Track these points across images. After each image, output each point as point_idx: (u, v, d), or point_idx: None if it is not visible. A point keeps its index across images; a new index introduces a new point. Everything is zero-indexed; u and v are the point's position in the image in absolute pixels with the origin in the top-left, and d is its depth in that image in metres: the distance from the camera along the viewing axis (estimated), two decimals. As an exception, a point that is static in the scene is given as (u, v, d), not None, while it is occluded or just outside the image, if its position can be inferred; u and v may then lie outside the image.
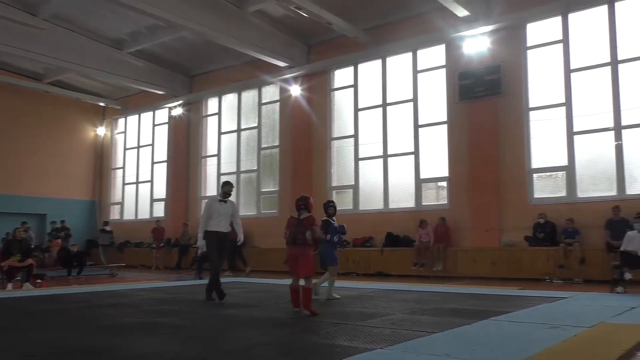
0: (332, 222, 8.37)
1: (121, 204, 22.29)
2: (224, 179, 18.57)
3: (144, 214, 21.15)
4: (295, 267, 6.72)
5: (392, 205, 14.71)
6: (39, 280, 11.58)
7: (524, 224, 12.28)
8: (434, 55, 14.40)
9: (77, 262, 15.23)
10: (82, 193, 22.24)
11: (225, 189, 8.54)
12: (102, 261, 18.55)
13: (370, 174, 15.22)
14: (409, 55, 14.79)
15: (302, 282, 6.61)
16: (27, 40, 15.90)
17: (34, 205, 20.25)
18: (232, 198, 19.06)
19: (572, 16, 12.50)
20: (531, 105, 12.87)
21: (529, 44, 13.03)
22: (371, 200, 15.16)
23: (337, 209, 15.46)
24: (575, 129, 12.21)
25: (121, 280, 13.41)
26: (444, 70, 14.16)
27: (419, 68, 14.65)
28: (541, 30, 12.92)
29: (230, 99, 18.99)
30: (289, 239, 6.81)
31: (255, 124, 18.04)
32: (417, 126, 14.47)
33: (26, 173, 20.14)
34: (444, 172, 13.94)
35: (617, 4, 11.94)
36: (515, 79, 12.98)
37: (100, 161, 23.01)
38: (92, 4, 15.03)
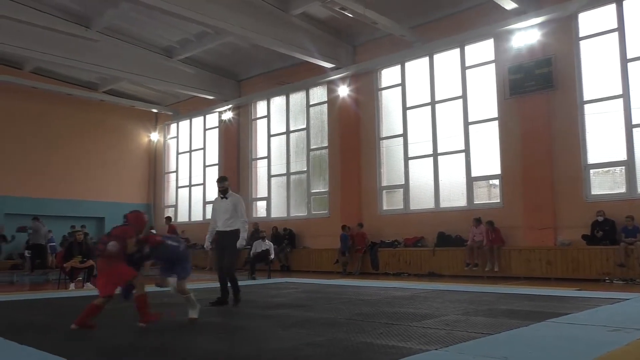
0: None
1: (175, 206, 22.91)
2: (274, 180, 18.90)
3: (197, 216, 21.67)
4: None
5: (443, 204, 14.51)
6: (99, 281, 12.04)
7: (580, 222, 11.86)
8: (482, 50, 14.14)
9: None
10: (138, 196, 22.98)
11: (218, 185, 7.92)
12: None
13: (420, 173, 15.07)
14: (457, 51, 14.56)
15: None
16: (82, 52, 16.63)
17: (93, 209, 21.09)
18: (282, 199, 19.45)
19: (627, 3, 12.00)
20: (586, 98, 12.43)
21: (581, 34, 12.60)
22: (422, 199, 15.01)
23: (388, 208, 15.64)
24: (634, 122, 11.72)
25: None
26: (493, 66, 13.87)
27: (467, 64, 14.41)
28: (594, 20, 12.46)
29: (278, 101, 19.21)
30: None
31: (304, 126, 18.17)
32: (467, 123, 14.23)
33: (84, 178, 21.00)
34: (496, 169, 13.64)
35: (677, -10, 11.41)
36: (568, 71, 12.57)
37: (154, 165, 23.72)
38: (142, 15, 15.52)
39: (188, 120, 22.66)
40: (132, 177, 22.93)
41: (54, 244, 18.00)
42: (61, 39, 16.02)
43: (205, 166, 21.71)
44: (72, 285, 11.27)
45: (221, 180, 7.92)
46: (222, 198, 7.80)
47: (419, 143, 15.18)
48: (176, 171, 23.08)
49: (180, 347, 4.68)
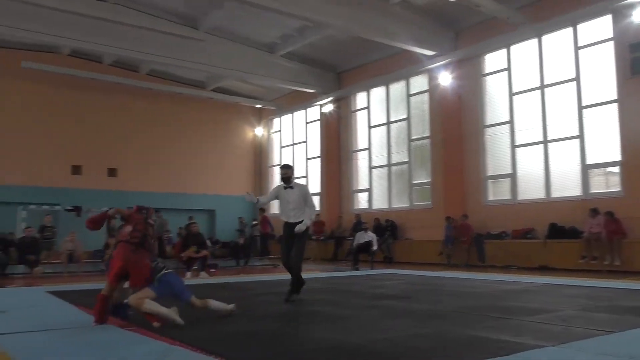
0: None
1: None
2: (375, 172, 18.87)
3: (300, 208, 22.11)
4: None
5: (555, 194, 13.71)
6: (212, 270, 12.75)
7: None
8: (598, 27, 13.11)
9: (243, 254, 16.49)
10: (244, 189, 23.59)
11: (281, 172, 7.55)
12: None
13: (529, 161, 14.34)
14: (569, 30, 13.63)
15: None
16: (191, 53, 17.52)
17: (203, 202, 22.21)
18: (383, 190, 19.43)
19: None
20: None
21: None
22: (531, 189, 14.28)
23: (493, 199, 15.08)
24: None
25: (283, 270, 14.17)
26: (611, 43, 12.82)
27: (580, 44, 13.44)
28: None
29: (378, 92, 19.11)
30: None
31: (405, 116, 17.94)
32: (581, 107, 13.30)
33: (195, 173, 22.17)
34: (615, 155, 12.64)
35: None
36: (702, 45, 11.32)
37: (259, 159, 24.54)
38: (246, 13, 16.08)
39: (290, 114, 23.20)
40: (239, 170, 23.88)
41: (171, 235, 19.19)
42: (172, 41, 17.01)
43: (307, 159, 22.12)
44: (188, 274, 11.98)
45: (285, 167, 7.54)
46: (285, 187, 7.41)
47: (527, 130, 14.43)
48: (280, 164, 23.70)
49: (291, 334, 4.82)
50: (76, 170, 19.87)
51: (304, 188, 7.62)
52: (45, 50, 18.85)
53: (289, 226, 7.34)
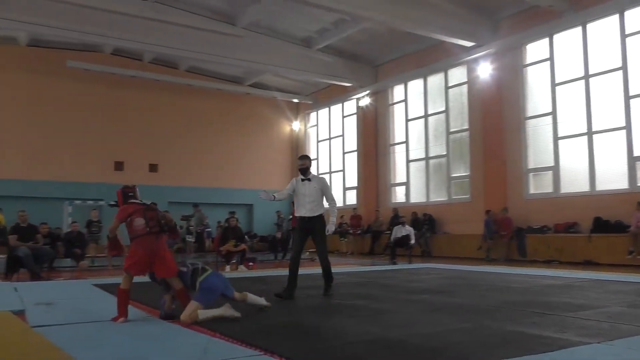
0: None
1: (316, 193, 23.60)
2: (413, 165, 18.70)
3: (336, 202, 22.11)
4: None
5: (600, 187, 13.30)
6: (251, 263, 12.90)
7: None
8: (646, 14, 12.63)
9: (281, 248, 16.60)
10: (282, 184, 23.90)
11: (299, 163, 7.23)
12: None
13: (572, 153, 13.95)
14: (615, 17, 13.17)
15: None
16: (229, 49, 17.71)
17: (241, 197, 22.43)
18: (421, 184, 19.16)
19: None
20: None
21: None
22: (574, 182, 13.90)
23: (536, 192, 14.75)
24: None
25: (319, 264, 14.21)
26: (660, 30, 12.34)
27: (627, 31, 12.97)
28: None
29: (416, 84, 18.90)
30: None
31: (443, 108, 17.70)
32: (627, 97, 12.85)
33: (233, 168, 22.44)
34: (664, 147, 12.17)
35: None
36: None
37: (296, 154, 24.57)
38: (283, 8, 16.14)
39: (327, 109, 23.20)
40: (276, 165, 24.03)
41: (209, 229, 19.49)
42: (211, 37, 17.24)
43: (344, 153, 22.10)
44: (227, 267, 12.15)
45: (303, 158, 7.29)
46: (303, 180, 7.07)
47: (571, 121, 14.03)
48: (317, 159, 23.75)
49: (329, 328, 4.83)
50: (119, 166, 20.39)
51: (323, 180, 7.31)
52: (89, 50, 19.40)
53: (305, 221, 7.07)
